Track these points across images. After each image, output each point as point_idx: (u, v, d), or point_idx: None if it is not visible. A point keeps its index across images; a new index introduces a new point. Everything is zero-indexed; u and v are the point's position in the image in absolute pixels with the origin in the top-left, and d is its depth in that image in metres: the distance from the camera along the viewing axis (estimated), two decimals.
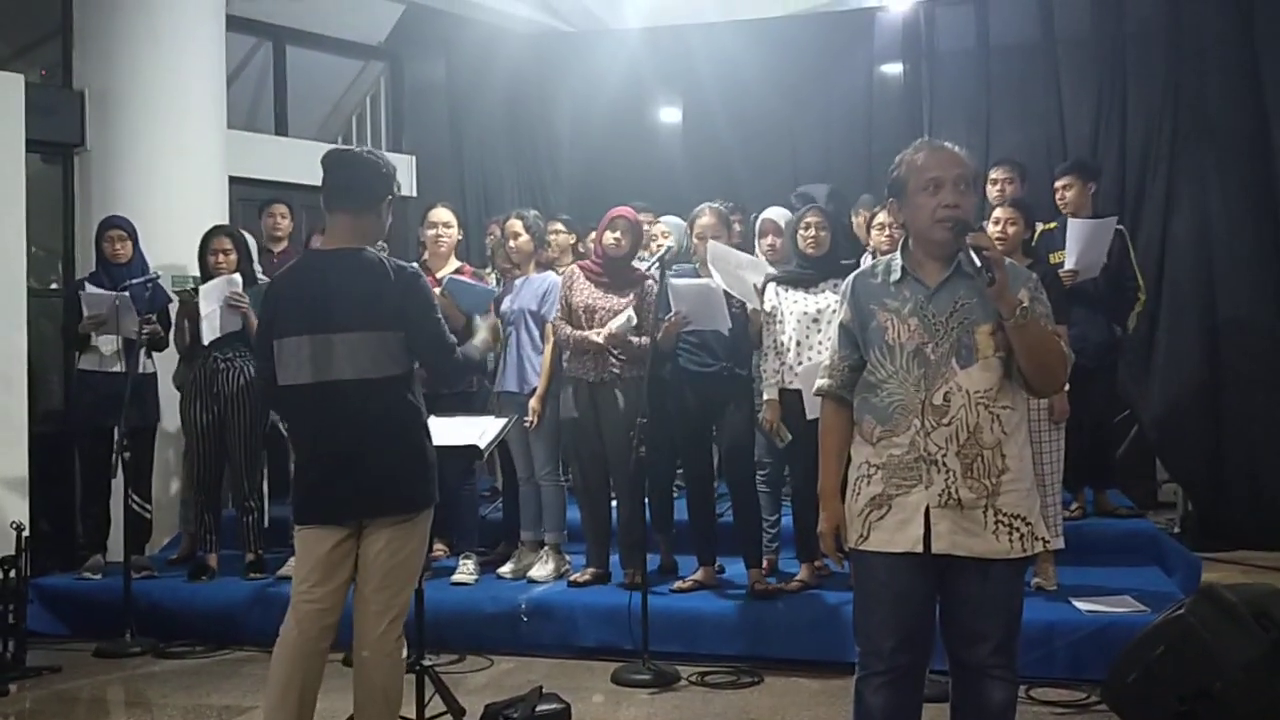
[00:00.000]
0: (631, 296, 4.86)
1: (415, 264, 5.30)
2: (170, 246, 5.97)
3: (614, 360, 4.79)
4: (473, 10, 7.84)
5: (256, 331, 3.29)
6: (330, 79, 8.38)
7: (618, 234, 4.88)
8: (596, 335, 4.77)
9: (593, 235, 5.24)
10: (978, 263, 2.42)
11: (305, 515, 3.14)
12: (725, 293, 4.58)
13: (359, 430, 3.03)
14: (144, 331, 5.30)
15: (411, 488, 3.11)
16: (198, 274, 5.51)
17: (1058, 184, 5.49)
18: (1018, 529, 2.50)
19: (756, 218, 5.82)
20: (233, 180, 6.86)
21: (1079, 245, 5.04)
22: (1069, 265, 5.05)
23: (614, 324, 4.75)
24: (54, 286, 6.53)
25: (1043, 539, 2.55)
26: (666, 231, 5.25)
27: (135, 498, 5.44)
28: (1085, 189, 5.42)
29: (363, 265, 3.07)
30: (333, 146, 3.29)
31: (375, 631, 3.06)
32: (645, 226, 5.94)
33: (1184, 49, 6.40)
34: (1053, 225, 5.36)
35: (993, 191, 5.49)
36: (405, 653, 3.20)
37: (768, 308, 4.68)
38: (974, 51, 7.13)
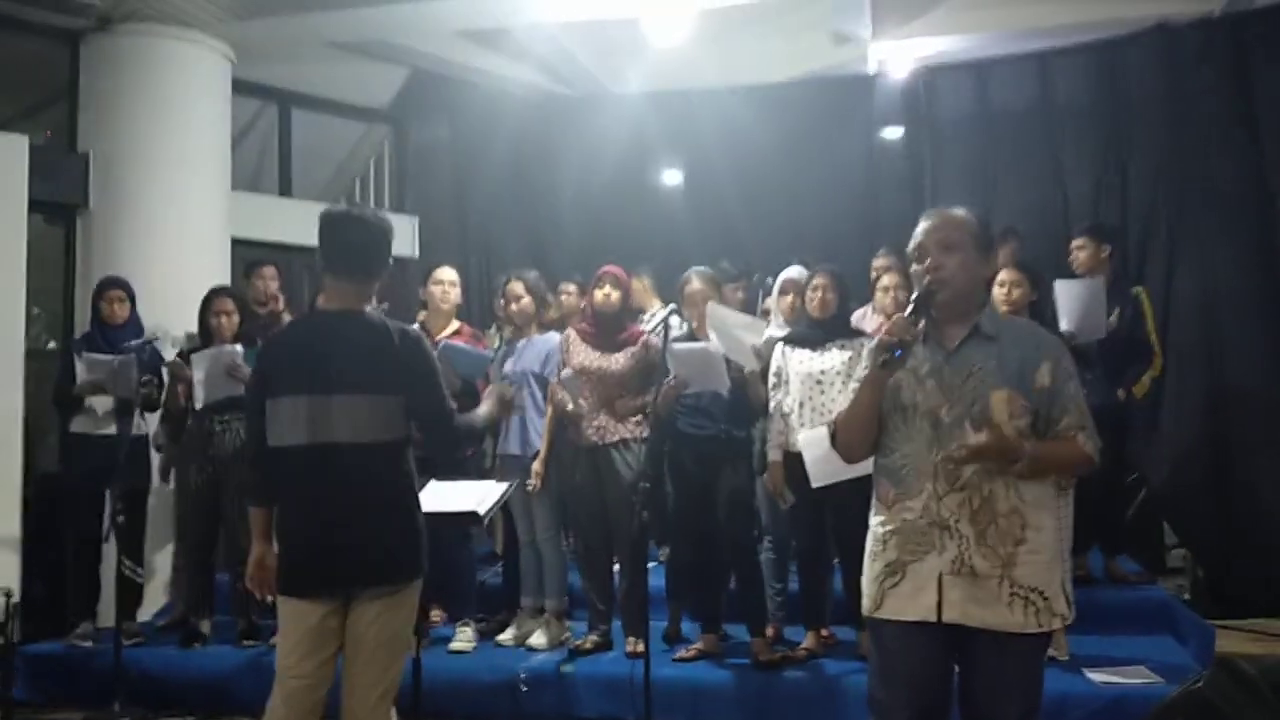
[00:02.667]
0: (624, 355, 4.83)
1: (417, 325, 5.32)
2: (172, 308, 5.96)
3: (614, 424, 4.76)
4: (476, 75, 7.91)
5: (248, 390, 3.19)
6: (335, 142, 8.44)
7: (606, 289, 4.88)
8: (571, 406, 4.76)
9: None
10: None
11: (294, 586, 3.00)
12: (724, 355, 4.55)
13: (354, 496, 2.95)
14: (140, 391, 5.25)
15: (404, 557, 3.02)
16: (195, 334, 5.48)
17: (1073, 244, 5.49)
18: (1034, 602, 2.44)
19: (759, 279, 5.83)
20: (236, 242, 6.87)
21: (1069, 306, 4.97)
22: (1064, 327, 5.00)
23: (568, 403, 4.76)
24: (51, 347, 6.50)
25: (1060, 615, 2.49)
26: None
27: (127, 562, 5.34)
28: (1099, 251, 5.40)
29: (366, 327, 3.02)
30: (330, 207, 3.16)
31: (366, 706, 2.96)
32: (639, 285, 5.98)
33: (1183, 113, 6.44)
34: None
35: None
36: None
37: (774, 368, 4.65)
38: (974, 116, 7.19)
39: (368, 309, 3.08)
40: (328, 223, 3.08)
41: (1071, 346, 4.94)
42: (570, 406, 4.77)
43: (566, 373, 4.79)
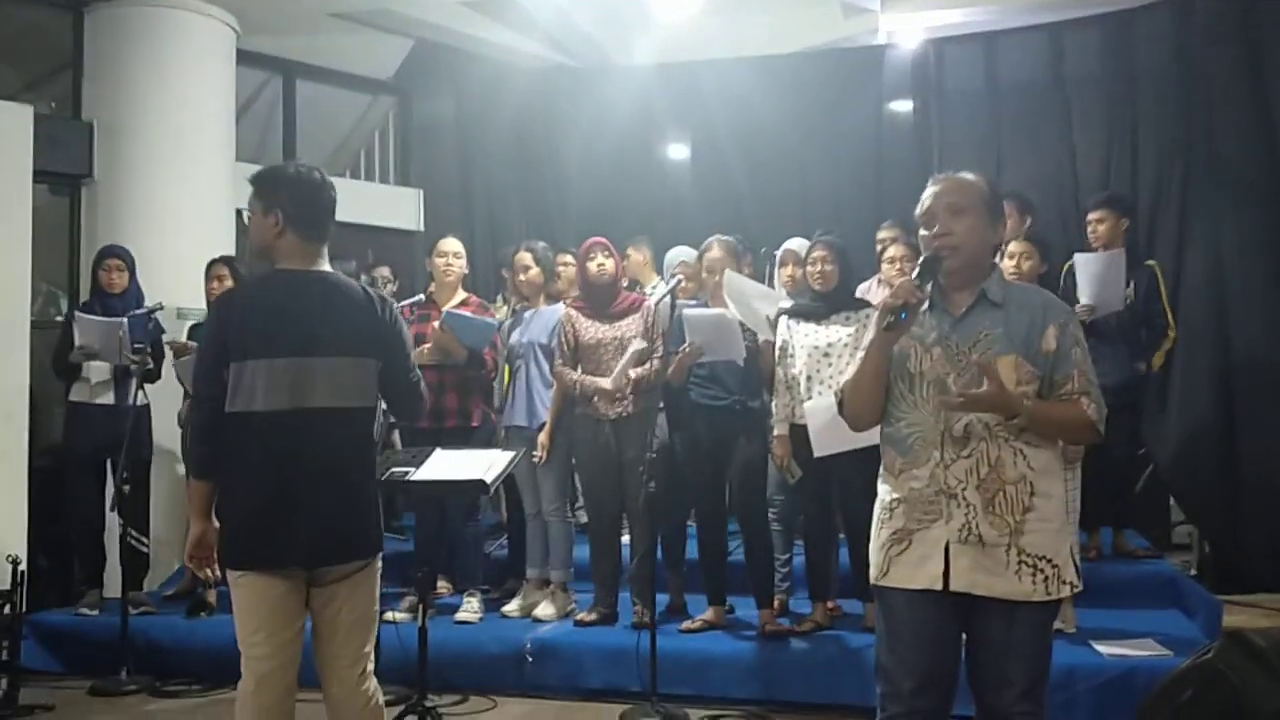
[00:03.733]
0: (631, 322, 4.82)
1: (423, 297, 5.30)
2: (177, 279, 5.94)
3: (628, 398, 4.75)
4: (481, 46, 7.85)
5: (202, 353, 2.96)
6: (339, 113, 8.39)
7: (599, 259, 4.88)
8: (606, 382, 4.75)
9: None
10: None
11: (256, 559, 2.80)
12: (739, 323, 4.53)
13: (324, 463, 2.82)
14: (132, 358, 5.22)
15: (371, 531, 2.93)
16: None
17: (1091, 217, 5.44)
18: (1042, 570, 2.42)
19: (765, 252, 5.79)
20: (240, 213, 6.84)
21: (1090, 280, 4.96)
22: (1084, 301, 4.98)
23: (620, 368, 4.72)
24: (59, 319, 6.49)
25: (1070, 583, 2.46)
26: (685, 262, 5.24)
27: (133, 532, 5.34)
28: (1118, 223, 5.36)
29: (343, 289, 2.94)
30: (295, 166, 2.97)
31: (349, 683, 2.90)
32: (640, 257, 5.96)
33: (1194, 87, 6.37)
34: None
35: None
36: (381, 697, 2.99)
37: (779, 341, 4.62)
38: (984, 89, 7.11)
39: (330, 268, 2.99)
40: (304, 184, 2.93)
41: (1091, 321, 4.95)
42: (605, 385, 4.76)
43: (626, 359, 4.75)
